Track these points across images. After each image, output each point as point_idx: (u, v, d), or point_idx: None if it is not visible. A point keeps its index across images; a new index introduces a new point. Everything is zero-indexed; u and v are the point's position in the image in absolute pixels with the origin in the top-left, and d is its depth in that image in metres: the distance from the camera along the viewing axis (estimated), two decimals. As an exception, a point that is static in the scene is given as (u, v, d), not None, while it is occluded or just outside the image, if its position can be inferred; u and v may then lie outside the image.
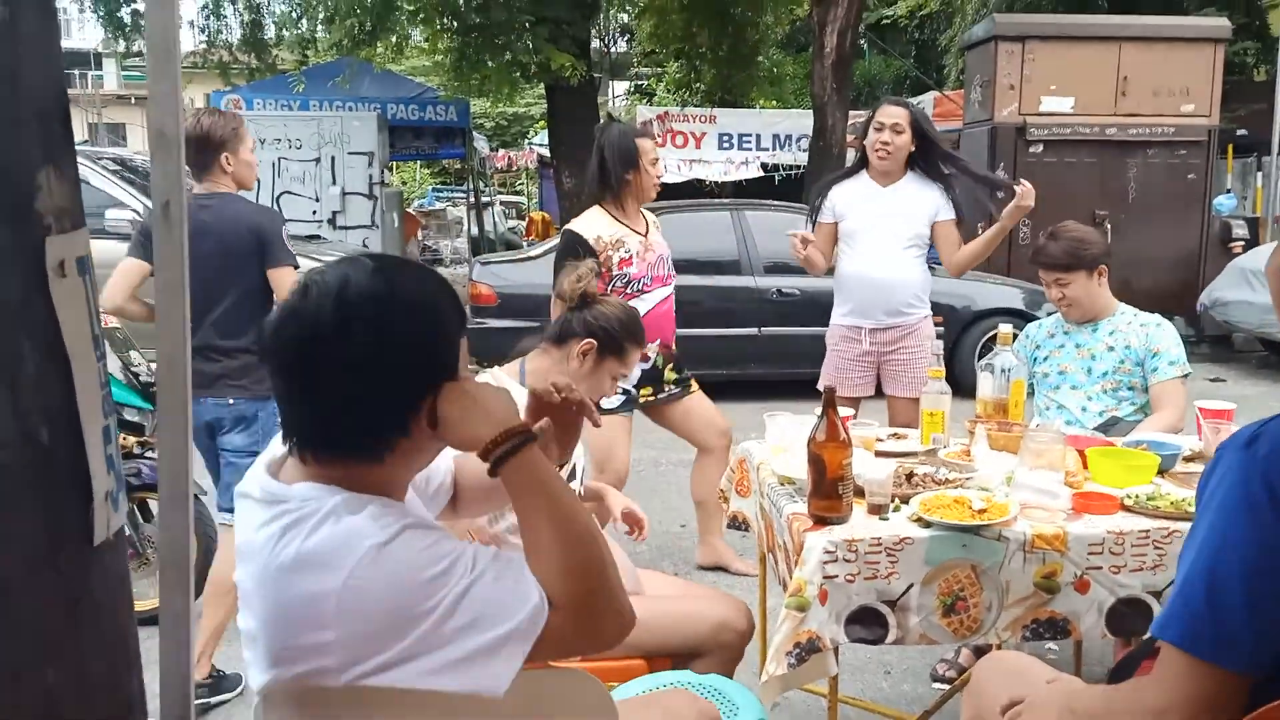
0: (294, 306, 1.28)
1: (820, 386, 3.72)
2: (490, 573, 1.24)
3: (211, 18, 12.76)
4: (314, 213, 10.84)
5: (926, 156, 3.86)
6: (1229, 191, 15.41)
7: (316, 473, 1.29)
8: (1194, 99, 9.41)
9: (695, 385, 4.07)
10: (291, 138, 10.82)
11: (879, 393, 4.03)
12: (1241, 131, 16.44)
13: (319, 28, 11.70)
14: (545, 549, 1.28)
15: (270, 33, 12.97)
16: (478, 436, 1.29)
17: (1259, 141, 15.00)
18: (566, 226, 3.97)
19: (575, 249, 3.70)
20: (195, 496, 3.72)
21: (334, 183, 10.81)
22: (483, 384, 1.36)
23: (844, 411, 2.79)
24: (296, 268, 3.17)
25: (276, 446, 1.38)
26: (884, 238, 3.81)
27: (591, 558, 1.29)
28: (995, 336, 3.13)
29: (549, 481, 1.31)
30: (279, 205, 10.85)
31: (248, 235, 3.12)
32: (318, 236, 9.26)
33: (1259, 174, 15.48)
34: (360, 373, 1.24)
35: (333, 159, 10.81)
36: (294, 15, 12.21)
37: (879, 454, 2.74)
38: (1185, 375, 3.12)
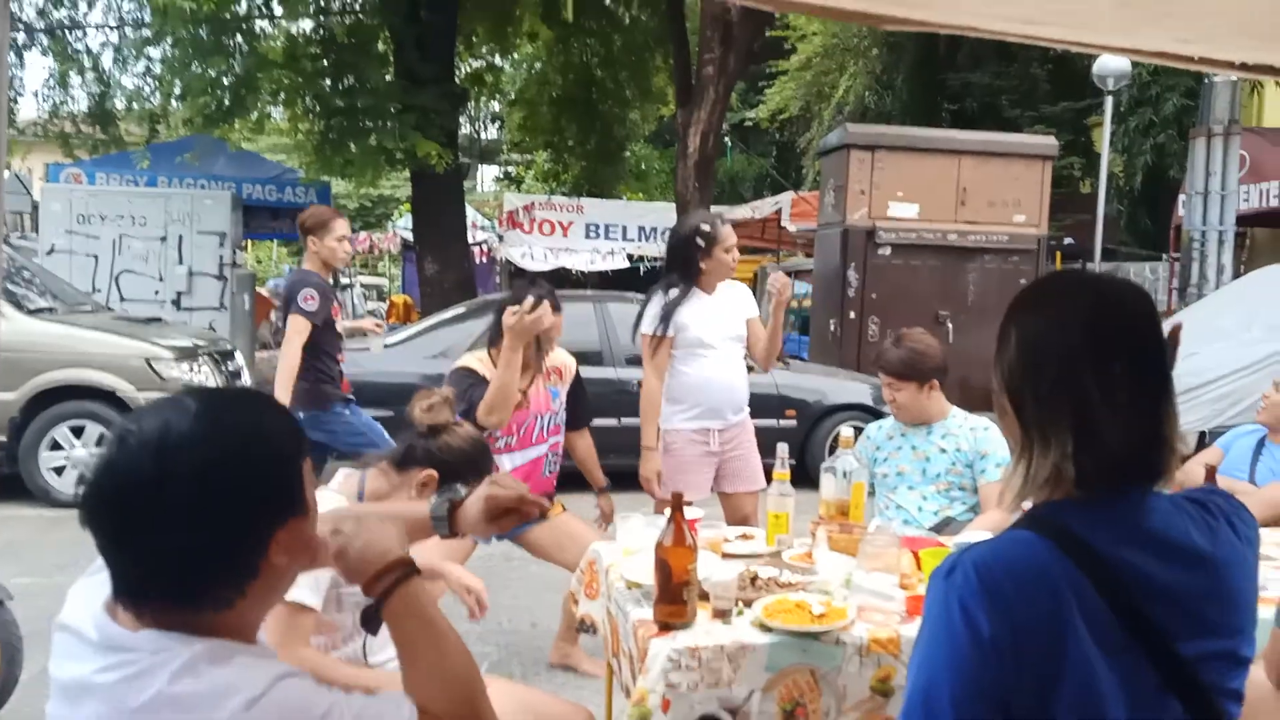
0: (111, 459, 1.18)
1: (664, 491, 3.77)
2: (368, 713, 1.21)
3: (57, 88, 12.29)
4: (156, 293, 10.37)
5: None
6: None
7: (160, 621, 1.18)
8: (1025, 210, 10.08)
9: (560, 507, 3.92)
10: (136, 214, 10.36)
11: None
12: (1068, 240, 17.73)
13: (173, 103, 11.39)
14: (424, 673, 1.30)
15: (119, 105, 12.55)
16: (364, 569, 1.30)
17: (1084, 249, 16.21)
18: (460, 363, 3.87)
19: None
20: (0, 602, 3.44)
21: (180, 262, 10.40)
22: (363, 515, 1.35)
23: (694, 514, 2.80)
24: (311, 321, 4.86)
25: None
26: (723, 342, 3.97)
27: (469, 682, 1.31)
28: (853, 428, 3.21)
29: (429, 609, 1.33)
30: (118, 284, 10.35)
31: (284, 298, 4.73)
32: (159, 319, 8.85)
33: (1085, 280, 16.68)
34: (191, 525, 1.15)
35: (180, 238, 10.41)
36: (144, 90, 11.86)
37: (726, 555, 2.74)
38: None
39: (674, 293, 3.98)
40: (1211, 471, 3.07)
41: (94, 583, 1.28)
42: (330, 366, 5.10)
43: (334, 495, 2.42)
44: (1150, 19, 1.50)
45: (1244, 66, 1.82)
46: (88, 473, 1.20)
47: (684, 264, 3.97)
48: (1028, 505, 1.29)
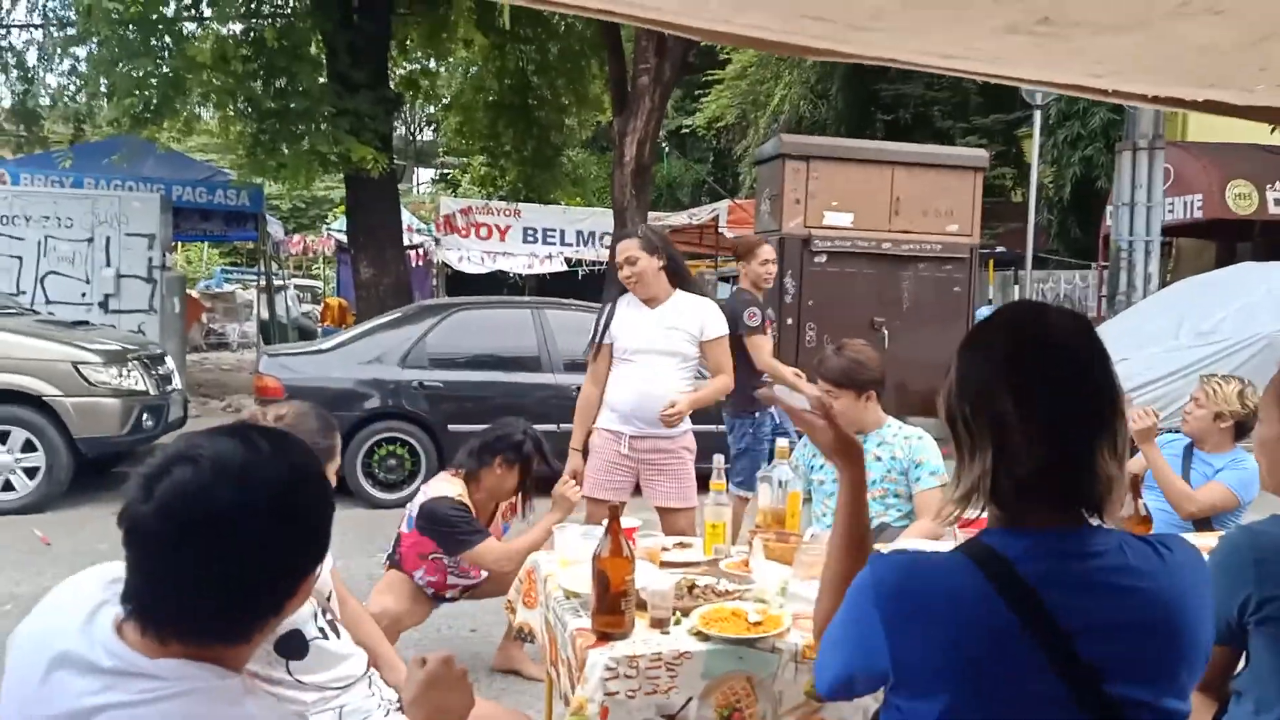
0: (183, 481, 1.15)
1: (584, 492, 3.84)
2: None
3: (-21, 86, 11.95)
4: (83, 295, 10.12)
5: (677, 270, 4.10)
6: (990, 302, 16.93)
7: (177, 652, 1.17)
8: (958, 219, 10.31)
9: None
10: (61, 216, 10.11)
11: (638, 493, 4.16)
12: (1000, 249, 18.15)
13: (99, 103, 11.11)
14: None
15: (44, 103, 12.22)
16: None
17: (1016, 256, 16.61)
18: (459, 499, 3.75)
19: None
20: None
21: (108, 264, 10.17)
22: (437, 680, 1.51)
23: (631, 523, 2.85)
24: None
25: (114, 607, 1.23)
26: (646, 354, 4.01)
27: None
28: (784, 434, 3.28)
29: None
30: (43, 287, 10.09)
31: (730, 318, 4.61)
32: (85, 322, 8.64)
33: (1016, 286, 17.12)
34: (257, 558, 1.16)
35: (108, 239, 10.17)
36: (70, 89, 11.56)
37: (664, 564, 2.79)
38: (944, 484, 3.36)
39: (609, 303, 4.20)
40: (1136, 481, 3.11)
41: (82, 597, 1.26)
42: (754, 378, 5.32)
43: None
44: (1062, 56, 1.59)
45: (1155, 99, 1.92)
46: (140, 489, 1.17)
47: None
48: (971, 517, 1.35)
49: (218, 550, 1.15)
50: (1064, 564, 1.26)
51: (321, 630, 2.30)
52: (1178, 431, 4.05)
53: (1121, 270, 10.76)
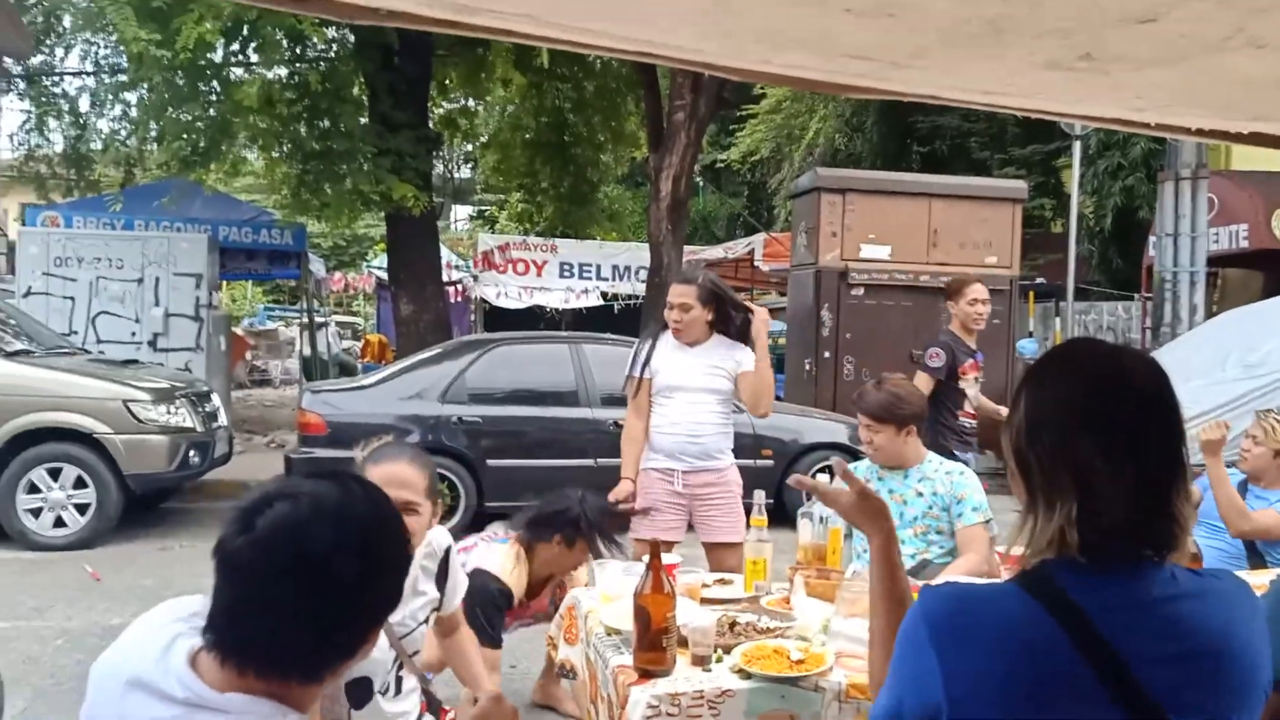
0: (282, 515, 1.20)
1: (633, 532, 3.82)
2: None
3: (34, 132, 12.27)
4: (133, 334, 10.37)
5: (724, 320, 4.13)
6: (1031, 334, 16.74)
7: (251, 685, 1.20)
8: (996, 251, 10.25)
9: None
10: (113, 257, 10.39)
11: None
12: (1040, 280, 17.97)
13: (148, 147, 11.39)
14: None
15: (95, 148, 12.55)
16: None
17: (1057, 288, 16.42)
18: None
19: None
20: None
21: (157, 304, 10.40)
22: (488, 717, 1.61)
23: (671, 559, 2.84)
24: (934, 376, 5.12)
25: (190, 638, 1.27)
26: (690, 390, 4.06)
27: None
28: (824, 469, 3.26)
29: None
30: (95, 326, 10.34)
31: None
32: (135, 361, 8.82)
33: (1057, 318, 16.92)
34: (345, 599, 1.20)
35: (157, 279, 10.42)
36: (121, 133, 11.86)
37: (704, 601, 2.78)
38: (987, 521, 3.32)
39: (649, 337, 4.25)
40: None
41: (158, 629, 1.30)
42: (948, 418, 5.32)
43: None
44: (1103, 91, 1.59)
45: (1199, 132, 1.90)
46: (239, 522, 1.21)
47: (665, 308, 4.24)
48: (1000, 550, 1.33)
49: (308, 585, 1.19)
50: (1119, 592, 1.25)
51: (387, 686, 2.37)
52: (1230, 466, 3.98)
53: (1166, 302, 10.61)
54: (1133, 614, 1.24)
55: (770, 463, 7.75)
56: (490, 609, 3.50)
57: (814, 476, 3.28)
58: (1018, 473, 1.34)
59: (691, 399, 4.06)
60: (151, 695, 1.22)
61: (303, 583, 1.19)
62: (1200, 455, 3.64)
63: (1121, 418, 1.27)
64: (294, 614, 1.19)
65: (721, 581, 3.02)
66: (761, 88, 20.12)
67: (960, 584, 1.35)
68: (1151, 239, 11.81)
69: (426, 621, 2.58)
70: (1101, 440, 1.26)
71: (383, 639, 2.32)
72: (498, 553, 3.65)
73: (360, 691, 2.27)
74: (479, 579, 3.50)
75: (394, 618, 2.33)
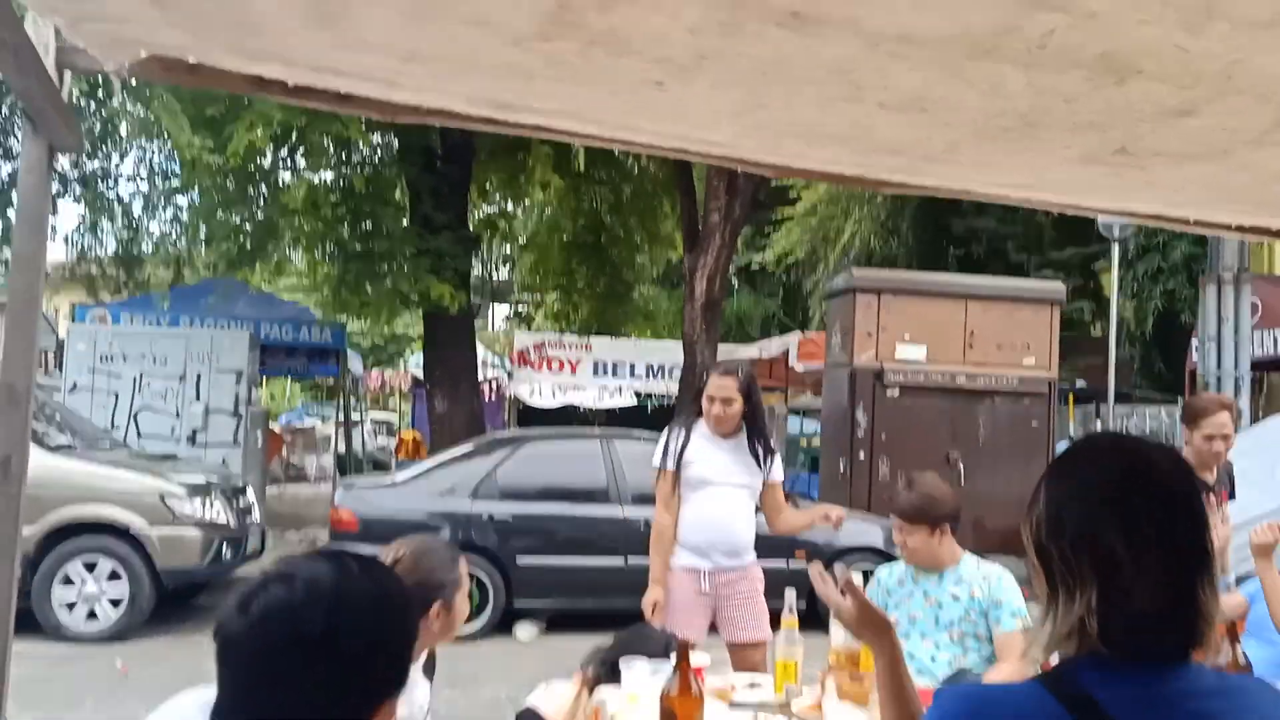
0: (277, 599, 1.21)
1: (659, 627, 3.68)
2: None
3: (87, 234, 12.69)
4: (173, 430, 10.51)
5: (754, 411, 4.08)
6: (1071, 438, 16.49)
7: None
8: (1034, 353, 10.16)
9: None
10: (157, 354, 10.61)
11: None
12: (1080, 383, 17.77)
13: (199, 247, 11.75)
14: None
15: (146, 249, 12.95)
16: None
17: (1097, 391, 16.22)
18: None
19: None
20: None
21: (198, 399, 10.56)
22: None
23: (700, 660, 2.76)
24: None
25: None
26: (724, 485, 3.99)
27: None
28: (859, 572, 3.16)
29: None
30: (136, 422, 10.48)
31: None
32: (173, 455, 8.91)
33: (1098, 421, 16.67)
34: (339, 678, 1.20)
35: (199, 376, 10.61)
36: (172, 235, 12.27)
37: (733, 704, 2.69)
38: (1027, 627, 3.20)
39: (680, 429, 4.11)
40: (1235, 627, 2.91)
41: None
42: None
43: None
44: (1140, 186, 1.58)
45: (1240, 229, 1.89)
46: (236, 606, 1.21)
47: (694, 398, 4.18)
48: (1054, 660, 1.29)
49: (305, 667, 1.18)
50: (1143, 690, 1.21)
51: None
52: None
53: (1209, 406, 10.41)
54: (1158, 711, 1.20)
55: (804, 564, 7.59)
56: None
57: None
58: (1038, 565, 1.31)
59: (725, 494, 3.98)
60: None
61: (299, 665, 1.18)
62: (1251, 563, 3.53)
63: (1145, 507, 1.25)
64: (292, 697, 1.18)
65: (752, 685, 2.93)
66: (797, 191, 20.41)
67: (975, 685, 1.31)
68: (1194, 342, 11.67)
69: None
70: (1124, 529, 1.24)
71: None
72: (556, 692, 3.27)
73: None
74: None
75: (402, 712, 2.29)
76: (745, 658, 3.91)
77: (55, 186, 12.15)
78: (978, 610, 3.23)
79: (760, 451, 4.07)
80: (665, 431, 4.19)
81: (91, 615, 6.92)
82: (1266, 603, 3.49)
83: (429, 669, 2.65)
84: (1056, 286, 11.09)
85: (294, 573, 1.23)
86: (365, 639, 1.21)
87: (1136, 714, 1.18)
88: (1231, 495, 4.52)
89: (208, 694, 1.31)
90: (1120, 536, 1.24)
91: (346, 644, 1.19)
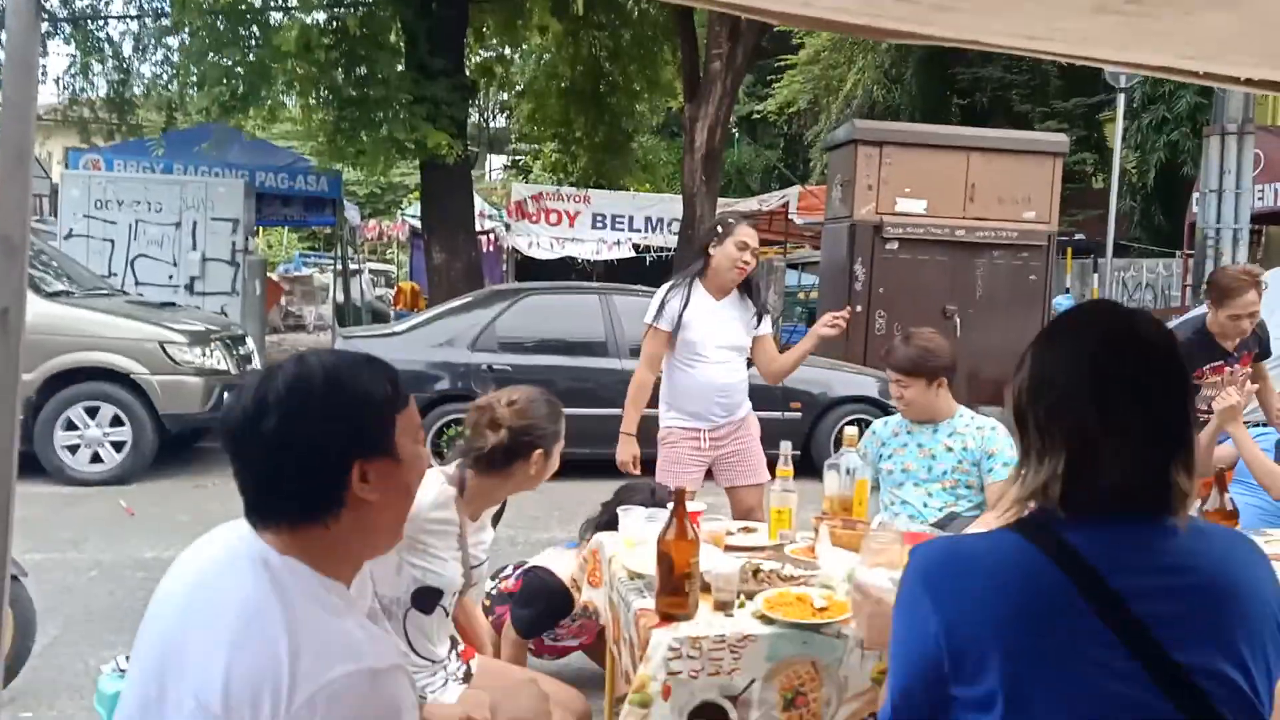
0: (259, 380, 1.37)
1: (657, 481, 3.77)
2: None
3: (78, 76, 12.34)
4: (170, 277, 10.49)
5: (749, 278, 4.08)
6: (1068, 291, 16.52)
7: (283, 542, 1.34)
8: (1035, 206, 10.08)
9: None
10: (152, 200, 10.49)
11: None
12: (1079, 236, 17.69)
13: (189, 92, 11.46)
14: None
15: (137, 93, 12.62)
16: None
17: (1096, 244, 16.17)
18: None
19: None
20: (14, 578, 3.51)
21: (194, 248, 10.50)
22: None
23: (695, 507, 2.86)
24: None
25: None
26: (720, 350, 3.98)
27: None
28: (852, 422, 3.24)
29: None
30: (133, 269, 10.45)
31: None
32: (172, 304, 8.93)
33: (1095, 275, 16.68)
34: (280, 449, 1.32)
35: (194, 224, 10.52)
36: (163, 78, 11.92)
37: (728, 548, 2.79)
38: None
39: (681, 290, 4.02)
40: (1224, 475, 2.96)
41: (211, 540, 1.46)
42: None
43: (438, 474, 2.51)
44: (1151, 37, 1.54)
45: (1249, 82, 1.85)
46: (232, 399, 1.40)
47: (698, 253, 4.09)
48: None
49: (250, 445, 1.34)
50: (1114, 534, 1.25)
51: (446, 609, 2.48)
52: (1263, 425, 3.93)
53: (1208, 259, 10.39)
54: (1129, 551, 1.24)
55: (799, 415, 7.74)
56: (540, 598, 3.35)
57: (842, 430, 3.28)
58: (1016, 428, 1.35)
59: (722, 357, 3.99)
60: (211, 548, 1.40)
61: (242, 443, 1.34)
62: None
63: (1121, 384, 1.26)
64: (278, 451, 1.33)
65: (746, 530, 3.03)
66: (800, 37, 19.80)
67: (950, 536, 1.36)
68: (1195, 195, 11.55)
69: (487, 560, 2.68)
70: (1099, 403, 1.26)
71: (456, 564, 2.46)
72: (566, 559, 3.45)
73: (428, 599, 2.42)
74: (539, 576, 3.38)
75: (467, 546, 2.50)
76: (743, 500, 4.02)
77: (45, 26, 11.79)
78: (970, 461, 3.33)
79: (757, 310, 4.09)
80: (663, 289, 4.09)
81: (95, 458, 7.09)
82: (1244, 459, 3.58)
83: (496, 517, 2.76)
84: (1059, 138, 10.92)
85: (271, 366, 1.39)
86: (328, 388, 1.34)
87: (1108, 552, 1.23)
88: (1263, 355, 4.45)
89: (243, 524, 1.43)
90: (1094, 410, 1.26)
91: (312, 393, 1.33)
